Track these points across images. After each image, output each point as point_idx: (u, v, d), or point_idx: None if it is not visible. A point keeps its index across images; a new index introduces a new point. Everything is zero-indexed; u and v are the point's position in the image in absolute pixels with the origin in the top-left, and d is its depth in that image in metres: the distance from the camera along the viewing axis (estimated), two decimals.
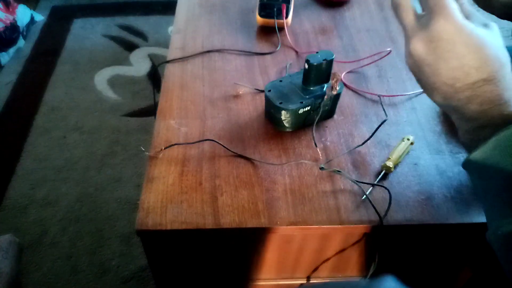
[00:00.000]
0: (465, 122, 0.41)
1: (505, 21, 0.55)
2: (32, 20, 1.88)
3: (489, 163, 0.37)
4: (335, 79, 0.55)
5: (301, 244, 0.53)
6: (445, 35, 0.38)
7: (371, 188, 0.51)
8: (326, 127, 0.59)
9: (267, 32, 0.76)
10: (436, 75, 0.39)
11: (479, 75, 0.37)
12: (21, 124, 1.47)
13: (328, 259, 0.56)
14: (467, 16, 0.40)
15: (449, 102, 0.40)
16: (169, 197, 0.50)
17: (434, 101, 0.42)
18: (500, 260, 0.37)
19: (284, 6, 0.74)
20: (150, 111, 1.51)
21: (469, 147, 0.42)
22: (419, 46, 0.40)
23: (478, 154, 0.38)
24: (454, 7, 0.38)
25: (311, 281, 0.60)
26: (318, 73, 0.54)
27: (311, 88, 0.56)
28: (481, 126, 0.39)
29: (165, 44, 1.80)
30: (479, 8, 0.54)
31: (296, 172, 0.53)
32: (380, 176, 0.52)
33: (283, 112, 0.55)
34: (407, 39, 0.41)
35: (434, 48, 0.38)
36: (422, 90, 0.44)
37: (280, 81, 0.58)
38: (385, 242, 0.52)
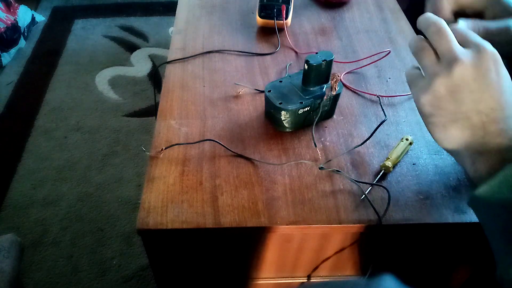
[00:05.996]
0: (485, 156, 0.39)
1: None
2: (33, 21, 1.88)
3: (496, 198, 0.36)
4: (334, 80, 0.55)
5: (300, 243, 0.53)
6: (496, 66, 0.38)
7: (370, 187, 0.52)
8: (326, 127, 0.60)
9: (267, 33, 0.77)
10: (475, 102, 0.38)
11: None
12: (22, 124, 1.48)
13: (327, 258, 0.56)
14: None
15: (476, 132, 0.39)
16: (169, 197, 0.51)
17: (445, 140, 0.42)
18: None
19: (284, 7, 0.75)
20: (151, 111, 1.52)
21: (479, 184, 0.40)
22: (464, 69, 0.38)
23: (484, 189, 0.37)
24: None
25: (310, 280, 0.60)
26: (317, 73, 0.55)
27: (311, 89, 0.56)
28: (503, 160, 0.38)
29: (166, 45, 1.81)
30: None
31: (296, 172, 0.54)
32: (379, 176, 0.53)
33: (282, 112, 0.56)
34: (445, 63, 0.39)
35: (484, 74, 0.37)
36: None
37: (280, 81, 0.59)
38: (384, 241, 0.53)
